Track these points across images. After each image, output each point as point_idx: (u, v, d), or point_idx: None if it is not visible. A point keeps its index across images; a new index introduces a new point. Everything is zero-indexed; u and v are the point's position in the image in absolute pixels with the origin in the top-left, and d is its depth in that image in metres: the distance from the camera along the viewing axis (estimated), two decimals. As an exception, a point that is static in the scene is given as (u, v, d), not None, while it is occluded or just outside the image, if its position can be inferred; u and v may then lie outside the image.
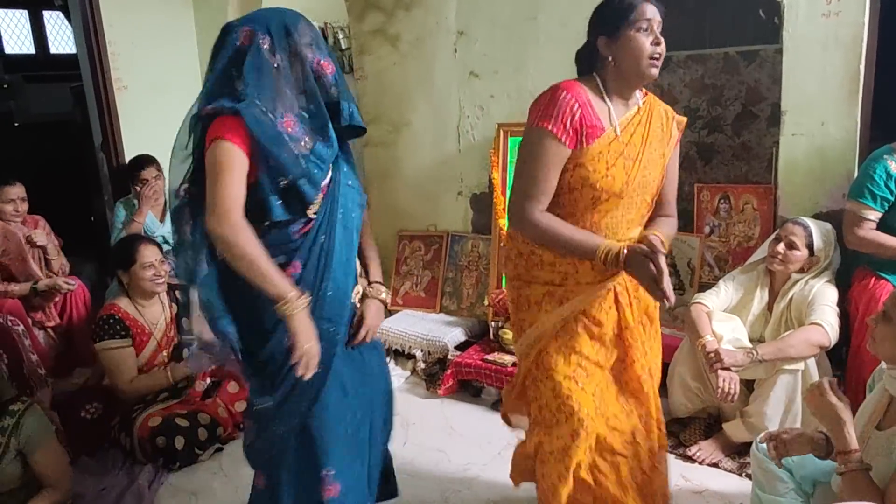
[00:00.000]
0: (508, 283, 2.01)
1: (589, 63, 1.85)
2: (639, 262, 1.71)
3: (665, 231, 1.89)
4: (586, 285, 1.86)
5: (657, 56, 1.74)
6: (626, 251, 1.75)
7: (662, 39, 1.75)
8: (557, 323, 1.89)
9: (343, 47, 5.48)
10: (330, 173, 1.77)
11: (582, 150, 1.76)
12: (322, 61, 1.72)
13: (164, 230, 3.94)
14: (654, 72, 1.76)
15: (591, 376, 1.91)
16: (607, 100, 1.80)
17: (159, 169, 4.00)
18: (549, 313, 1.88)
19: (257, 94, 1.64)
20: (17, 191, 3.53)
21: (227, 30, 1.71)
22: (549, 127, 1.73)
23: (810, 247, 2.63)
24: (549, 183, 1.78)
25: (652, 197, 1.89)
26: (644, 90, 1.90)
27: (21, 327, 2.83)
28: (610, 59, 1.77)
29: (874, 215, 2.58)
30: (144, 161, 4.01)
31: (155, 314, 2.99)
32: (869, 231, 2.59)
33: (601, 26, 1.80)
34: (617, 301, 1.90)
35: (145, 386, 2.88)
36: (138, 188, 3.92)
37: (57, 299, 3.56)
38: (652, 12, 1.74)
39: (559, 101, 1.74)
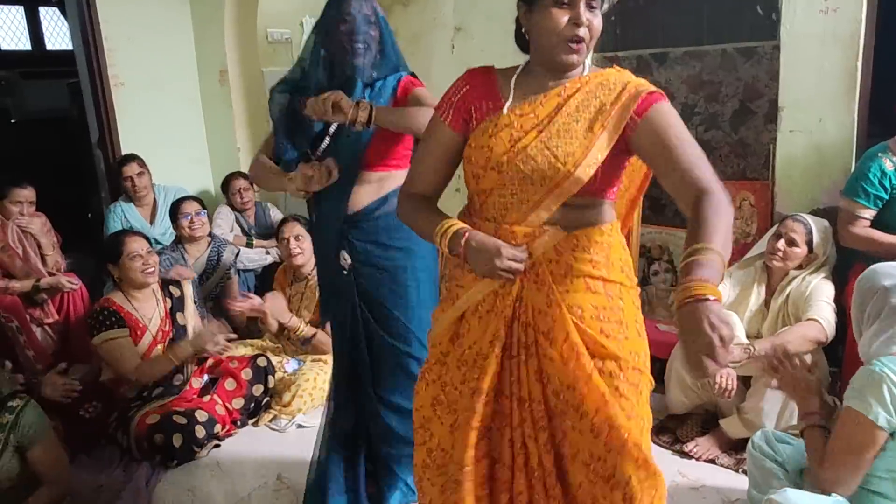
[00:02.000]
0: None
1: (517, 33, 1.57)
2: (480, 254, 1.44)
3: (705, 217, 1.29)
4: (473, 280, 1.54)
5: (576, 39, 1.41)
6: (466, 235, 1.46)
7: (589, 21, 1.40)
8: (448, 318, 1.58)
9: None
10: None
11: (472, 131, 1.53)
12: None
13: (153, 232, 3.95)
14: (572, 59, 1.43)
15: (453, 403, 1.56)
16: (513, 81, 1.53)
17: (142, 165, 4.00)
18: (483, 281, 1.53)
19: None
20: (27, 194, 3.55)
21: None
22: (436, 107, 1.60)
23: (810, 244, 2.63)
24: (425, 163, 1.61)
25: (565, 175, 1.42)
26: (616, 67, 1.54)
27: (15, 324, 2.83)
28: (526, 34, 1.51)
29: (868, 213, 2.58)
30: (125, 159, 4.02)
31: (149, 309, 2.98)
32: (863, 229, 2.60)
33: None
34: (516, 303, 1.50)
35: (151, 371, 2.86)
36: (125, 184, 3.95)
37: (56, 294, 3.56)
38: None
39: (452, 85, 1.59)
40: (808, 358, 2.50)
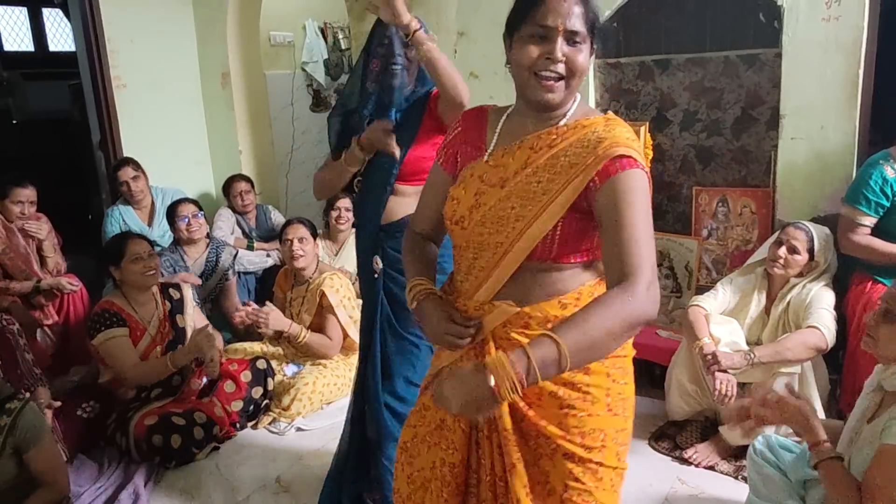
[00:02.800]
0: None
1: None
2: (427, 321, 1.39)
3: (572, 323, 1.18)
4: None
5: (549, 74, 1.28)
6: (421, 301, 1.42)
7: (568, 56, 1.28)
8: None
9: (343, 47, 5.49)
10: None
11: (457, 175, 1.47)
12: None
13: (152, 234, 3.95)
14: (545, 97, 1.30)
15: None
16: (501, 123, 1.42)
17: (137, 168, 4.00)
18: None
19: None
20: (28, 193, 3.54)
21: None
22: (437, 153, 1.56)
23: (811, 251, 2.63)
24: (426, 202, 1.57)
25: (512, 243, 1.32)
26: (606, 116, 1.36)
27: (17, 326, 2.82)
28: (507, 66, 1.37)
29: (869, 221, 2.58)
30: (120, 163, 4.03)
31: (148, 311, 2.98)
32: (863, 236, 2.60)
33: (508, 21, 1.36)
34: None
35: (147, 372, 2.86)
36: (121, 188, 3.97)
37: (57, 297, 3.56)
38: (556, 17, 1.26)
39: (452, 125, 1.55)
40: (779, 384, 2.46)
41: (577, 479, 1.34)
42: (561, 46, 1.27)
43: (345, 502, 2.31)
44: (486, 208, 1.35)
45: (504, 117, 1.43)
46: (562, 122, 1.35)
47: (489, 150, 1.40)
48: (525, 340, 1.26)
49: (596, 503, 1.36)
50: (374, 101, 2.14)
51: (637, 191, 1.26)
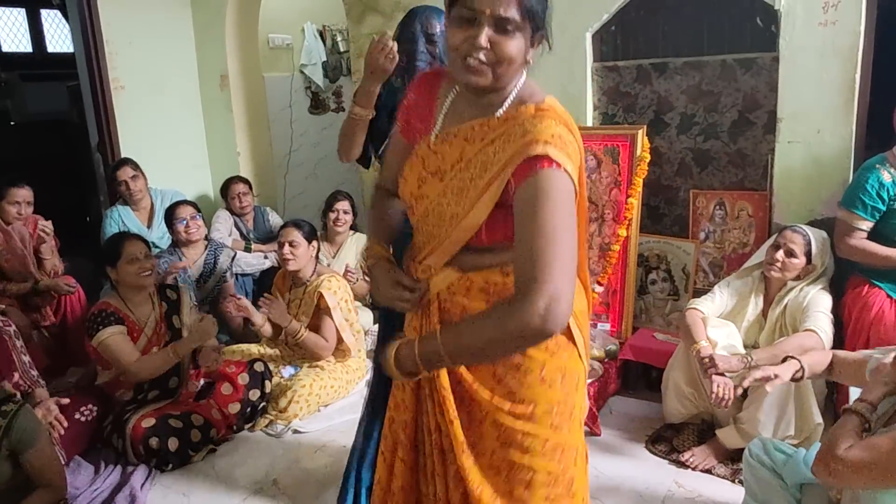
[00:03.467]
0: None
1: None
2: (375, 283, 1.46)
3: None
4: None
5: (472, 57, 1.23)
6: (372, 262, 1.49)
7: (495, 43, 1.23)
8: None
9: (342, 50, 5.49)
10: None
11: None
12: None
13: (151, 235, 3.95)
14: (471, 79, 1.26)
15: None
16: (450, 97, 1.40)
17: (136, 168, 4.01)
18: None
19: None
20: (25, 193, 3.53)
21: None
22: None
23: (808, 255, 2.64)
24: (390, 164, 1.55)
25: (448, 238, 1.34)
26: (537, 106, 1.29)
27: (13, 328, 2.81)
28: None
29: (865, 225, 2.59)
30: (119, 163, 4.03)
31: (145, 312, 2.98)
32: (859, 240, 2.60)
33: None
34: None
35: (152, 365, 2.84)
36: (119, 188, 3.96)
37: (54, 299, 3.56)
38: (482, 3, 1.21)
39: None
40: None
41: (506, 445, 1.35)
42: (487, 33, 1.22)
43: (364, 495, 2.30)
44: (427, 201, 1.38)
45: (452, 95, 1.40)
46: (498, 112, 1.31)
47: (434, 132, 1.39)
48: (467, 303, 1.36)
49: (530, 470, 1.35)
50: (400, 95, 2.17)
51: (550, 193, 1.21)
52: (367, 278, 4.03)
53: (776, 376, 2.00)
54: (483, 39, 1.22)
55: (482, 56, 1.23)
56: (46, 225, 3.63)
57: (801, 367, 1.99)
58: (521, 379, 1.34)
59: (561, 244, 1.19)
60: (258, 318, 3.34)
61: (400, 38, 2.14)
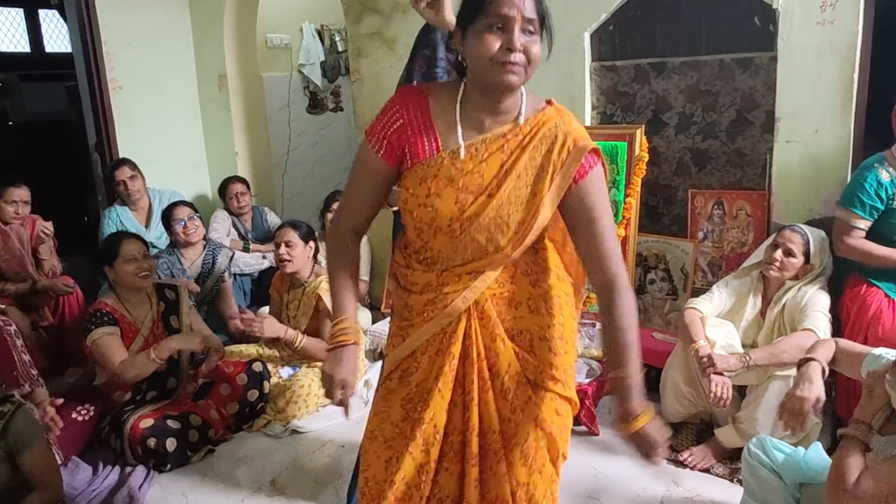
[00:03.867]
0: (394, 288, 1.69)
1: (456, 58, 1.48)
2: (325, 371, 1.51)
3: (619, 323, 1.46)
4: (418, 317, 1.54)
5: (510, 62, 1.33)
6: (336, 349, 1.50)
7: (525, 46, 1.33)
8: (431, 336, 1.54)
9: (340, 50, 5.49)
10: None
11: (409, 169, 1.45)
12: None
13: (149, 235, 3.94)
14: (509, 79, 1.34)
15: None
16: (458, 113, 1.43)
17: (134, 168, 4.00)
18: (430, 322, 1.52)
19: None
20: (22, 193, 3.53)
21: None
22: (368, 135, 1.49)
23: (807, 254, 2.64)
24: (360, 195, 1.53)
25: (515, 240, 1.44)
26: (550, 102, 1.47)
27: (13, 327, 2.81)
28: (462, 58, 1.42)
29: (864, 224, 2.59)
30: (117, 163, 4.03)
31: (142, 312, 2.97)
32: (858, 240, 2.60)
33: (460, 14, 1.40)
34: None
35: (131, 370, 2.80)
36: (118, 188, 3.94)
37: (52, 300, 3.55)
38: (512, 7, 1.32)
39: (385, 109, 1.48)
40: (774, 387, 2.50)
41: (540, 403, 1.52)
42: (518, 36, 1.32)
43: None
44: (479, 218, 1.41)
45: (456, 108, 1.43)
46: (521, 120, 1.42)
47: (452, 150, 1.42)
48: (514, 290, 1.51)
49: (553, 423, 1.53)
50: None
51: (604, 184, 1.46)
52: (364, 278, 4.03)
53: (817, 399, 1.91)
54: (518, 42, 1.32)
55: (518, 58, 1.33)
56: (46, 226, 3.63)
57: (823, 368, 1.95)
58: (565, 347, 1.53)
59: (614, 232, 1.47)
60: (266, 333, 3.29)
61: (418, 45, 2.12)
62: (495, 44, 1.32)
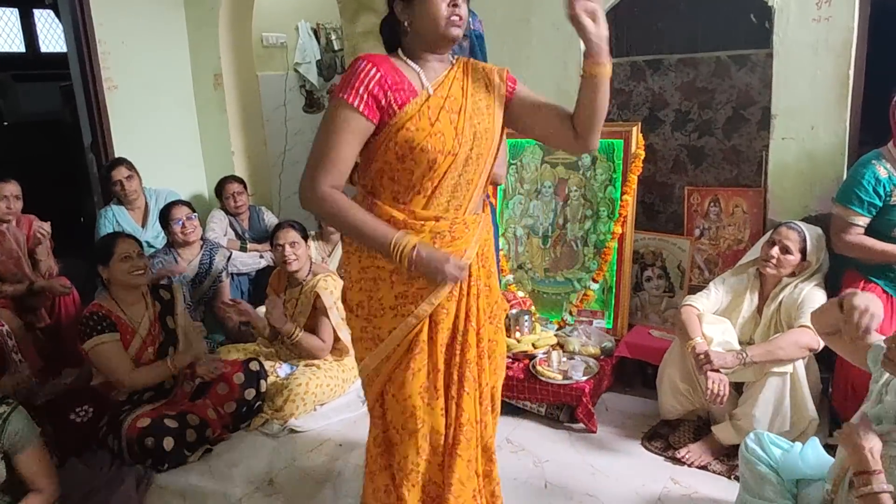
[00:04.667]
0: (353, 285, 1.82)
1: (391, 31, 1.76)
2: (430, 266, 1.67)
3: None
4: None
5: (457, 17, 1.66)
6: (416, 252, 1.65)
7: (462, 2, 1.66)
8: (415, 328, 1.77)
9: (336, 48, 5.48)
10: None
11: (396, 116, 1.66)
12: None
13: (145, 235, 3.93)
14: (456, 31, 1.67)
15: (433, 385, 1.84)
16: (413, 64, 1.72)
17: (131, 168, 3.99)
18: (407, 318, 1.75)
19: None
20: (12, 188, 3.50)
21: None
22: (344, 96, 1.63)
23: (803, 251, 2.64)
24: (342, 155, 1.65)
25: (486, 150, 1.76)
26: (456, 56, 1.83)
27: (6, 328, 2.80)
28: (407, 23, 1.69)
29: (862, 220, 2.59)
30: (113, 163, 4.01)
31: (138, 312, 2.96)
32: (857, 236, 2.60)
33: None
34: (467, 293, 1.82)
35: (148, 377, 2.85)
36: (114, 188, 3.93)
37: (49, 300, 3.54)
38: None
39: (356, 70, 1.65)
40: (801, 364, 2.51)
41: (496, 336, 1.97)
42: None
43: None
44: (465, 132, 1.70)
45: (414, 62, 1.73)
46: (453, 60, 1.79)
47: (427, 88, 1.70)
48: (488, 238, 1.89)
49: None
50: None
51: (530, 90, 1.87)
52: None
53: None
54: (463, 4, 1.67)
55: (462, 11, 1.66)
56: (43, 226, 3.61)
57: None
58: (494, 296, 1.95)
59: None
60: (261, 321, 3.33)
61: None
62: (442, 6, 1.63)
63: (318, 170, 1.66)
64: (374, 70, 1.64)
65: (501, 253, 3.58)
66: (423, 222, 1.71)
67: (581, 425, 2.92)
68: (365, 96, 1.63)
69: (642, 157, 3.26)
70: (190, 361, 2.94)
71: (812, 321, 2.08)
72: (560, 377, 2.95)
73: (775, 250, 2.64)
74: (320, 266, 3.60)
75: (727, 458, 2.62)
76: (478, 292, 1.82)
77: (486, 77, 1.79)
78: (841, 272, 2.75)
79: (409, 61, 1.72)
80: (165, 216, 3.77)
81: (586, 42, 1.64)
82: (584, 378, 2.95)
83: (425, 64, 1.73)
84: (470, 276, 1.78)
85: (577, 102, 1.72)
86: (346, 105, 1.63)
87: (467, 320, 1.81)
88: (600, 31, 1.62)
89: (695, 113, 3.26)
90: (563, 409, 2.98)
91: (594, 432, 2.88)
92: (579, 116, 1.72)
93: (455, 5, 1.64)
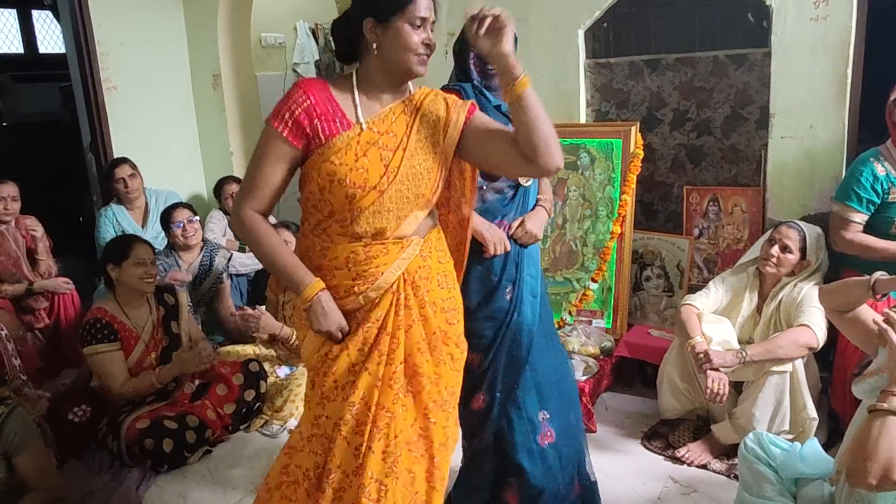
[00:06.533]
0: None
1: (348, 41, 1.69)
2: (319, 316, 1.64)
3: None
4: (346, 294, 1.69)
5: (426, 54, 1.63)
6: (317, 297, 1.64)
7: (432, 39, 1.63)
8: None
9: (334, 48, 5.48)
10: None
11: (322, 146, 1.61)
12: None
13: (146, 235, 3.92)
14: (422, 69, 1.64)
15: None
16: (356, 94, 1.66)
17: (133, 167, 3.99)
18: (359, 296, 1.68)
19: None
20: (9, 189, 3.50)
21: None
22: (272, 121, 1.63)
23: (803, 250, 2.64)
24: (266, 181, 1.65)
25: (428, 189, 1.68)
26: (420, 87, 1.76)
27: (4, 331, 2.80)
28: (375, 46, 1.62)
29: (861, 218, 2.59)
30: (117, 161, 4.01)
31: (142, 317, 2.97)
32: (856, 234, 2.60)
33: (372, 7, 1.62)
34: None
35: (134, 389, 2.86)
36: (117, 186, 3.92)
37: (48, 302, 3.54)
38: (427, 10, 1.60)
39: (288, 97, 1.64)
40: (800, 363, 2.52)
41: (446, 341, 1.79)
42: (430, 34, 1.63)
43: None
44: (401, 171, 1.63)
45: (355, 92, 1.66)
46: (413, 91, 1.71)
47: (362, 119, 1.63)
48: (433, 264, 1.74)
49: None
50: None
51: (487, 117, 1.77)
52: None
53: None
54: (431, 37, 1.63)
55: (430, 51, 1.63)
56: (32, 223, 3.59)
57: None
58: (458, 318, 1.82)
59: None
60: (263, 335, 3.31)
61: (464, 46, 2.10)
62: (417, 38, 1.60)
63: (243, 193, 1.68)
64: (303, 97, 1.62)
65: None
66: (338, 237, 1.67)
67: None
68: (290, 122, 1.61)
69: (641, 157, 3.26)
70: (176, 376, 2.93)
71: (822, 296, 2.06)
72: (559, 377, 2.95)
73: (775, 249, 2.64)
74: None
75: (727, 457, 2.63)
76: (409, 323, 1.69)
77: (445, 112, 1.69)
78: (840, 271, 2.75)
79: (354, 88, 1.66)
80: (166, 219, 3.76)
81: (493, 62, 1.61)
82: (584, 378, 2.95)
83: (373, 93, 1.67)
84: (397, 307, 1.68)
85: (515, 128, 1.62)
86: (271, 130, 1.63)
87: (389, 356, 1.68)
88: (504, 47, 1.56)
89: (693, 112, 3.26)
90: (562, 409, 2.98)
91: (594, 432, 2.88)
92: (521, 142, 1.60)
93: (427, 43, 1.62)
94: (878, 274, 1.83)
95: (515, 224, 2.10)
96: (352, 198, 1.61)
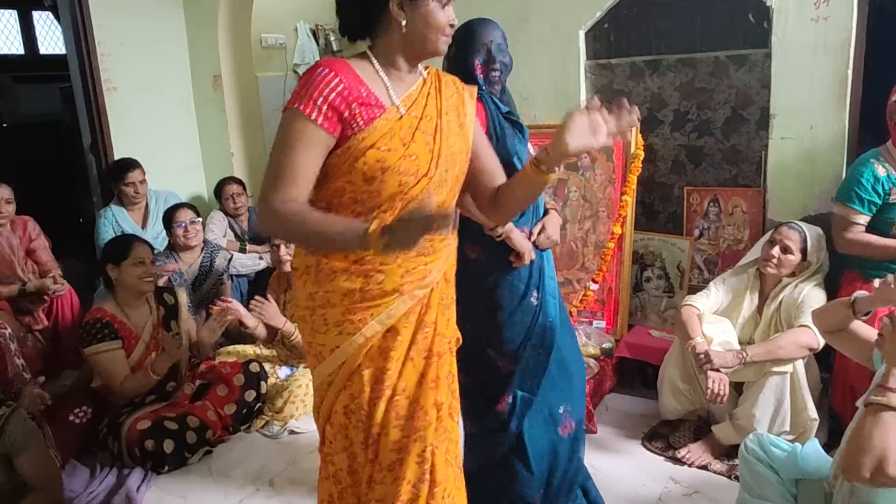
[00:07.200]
0: (302, 303, 1.65)
1: (364, 17, 1.56)
2: (412, 225, 1.37)
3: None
4: (393, 292, 1.56)
5: (449, 36, 1.59)
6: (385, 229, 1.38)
7: (455, 19, 1.58)
8: (364, 345, 1.58)
9: (335, 49, 5.48)
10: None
11: (361, 132, 1.48)
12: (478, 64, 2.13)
13: (146, 236, 3.92)
14: (444, 48, 1.59)
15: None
16: (383, 75, 1.56)
17: (143, 172, 3.99)
18: (353, 336, 1.57)
19: None
20: (3, 192, 3.50)
21: None
22: (299, 107, 1.46)
23: (804, 251, 2.64)
24: (299, 170, 1.48)
25: (461, 171, 1.65)
26: (426, 67, 1.68)
27: (8, 331, 2.80)
28: (404, 23, 1.51)
29: (863, 219, 2.59)
30: (131, 164, 4.00)
31: (142, 317, 2.97)
32: (858, 234, 2.60)
33: None
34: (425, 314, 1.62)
35: (134, 387, 2.86)
36: (126, 189, 3.92)
37: (45, 303, 3.54)
38: None
39: (314, 79, 1.48)
40: (801, 364, 2.52)
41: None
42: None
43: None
44: (442, 156, 1.58)
45: (382, 72, 1.57)
46: (425, 74, 1.64)
47: (398, 107, 1.55)
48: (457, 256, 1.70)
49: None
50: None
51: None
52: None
53: None
54: (455, 20, 1.59)
55: (452, 31, 1.59)
56: (31, 225, 3.57)
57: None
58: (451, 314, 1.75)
59: None
60: (250, 320, 3.33)
61: (468, 50, 2.12)
62: (444, 16, 1.54)
63: (272, 185, 1.49)
64: (335, 79, 1.48)
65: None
66: None
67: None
68: (324, 108, 1.46)
69: (641, 158, 3.26)
70: (170, 365, 2.92)
71: (814, 319, 2.08)
72: (560, 377, 2.95)
73: (776, 250, 2.64)
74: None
75: (727, 457, 2.62)
76: (437, 322, 1.64)
77: (458, 93, 1.66)
78: (840, 272, 2.76)
79: (378, 69, 1.56)
80: (169, 218, 3.77)
81: (562, 155, 1.62)
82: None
83: (395, 73, 1.57)
84: (430, 302, 1.62)
85: (512, 190, 1.67)
86: (302, 117, 1.46)
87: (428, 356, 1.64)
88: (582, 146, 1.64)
89: (693, 113, 3.26)
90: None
91: (595, 433, 2.88)
92: (508, 199, 1.69)
93: (452, 25, 1.57)
94: (857, 293, 1.84)
95: (536, 230, 2.13)
96: (404, 185, 1.52)
